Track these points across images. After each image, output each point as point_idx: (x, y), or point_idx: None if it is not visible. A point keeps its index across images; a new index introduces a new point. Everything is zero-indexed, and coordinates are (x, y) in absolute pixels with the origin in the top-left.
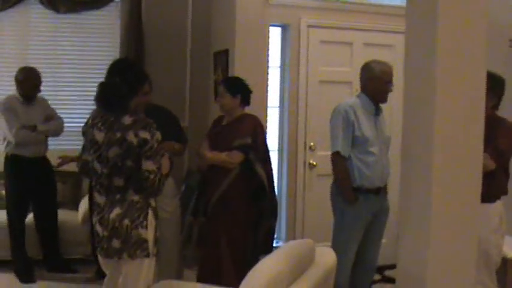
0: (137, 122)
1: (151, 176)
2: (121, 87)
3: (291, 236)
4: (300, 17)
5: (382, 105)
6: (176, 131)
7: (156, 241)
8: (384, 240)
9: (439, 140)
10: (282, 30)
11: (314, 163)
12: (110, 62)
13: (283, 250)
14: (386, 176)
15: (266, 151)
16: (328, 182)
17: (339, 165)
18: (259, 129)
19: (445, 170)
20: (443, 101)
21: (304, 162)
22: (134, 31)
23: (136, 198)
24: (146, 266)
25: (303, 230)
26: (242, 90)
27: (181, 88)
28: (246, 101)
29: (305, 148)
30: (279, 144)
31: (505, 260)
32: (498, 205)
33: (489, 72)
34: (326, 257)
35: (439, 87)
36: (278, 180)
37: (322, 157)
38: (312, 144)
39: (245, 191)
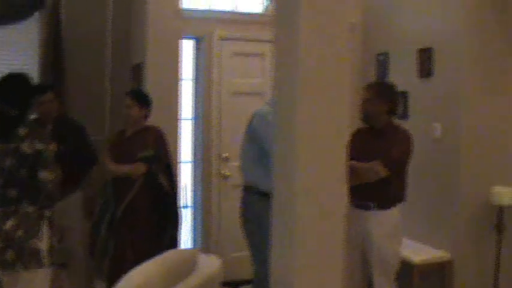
0: (32, 132)
1: (49, 186)
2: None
3: (206, 246)
4: (213, 30)
5: None
6: (82, 145)
7: (52, 251)
8: None
9: (302, 148)
10: (195, 42)
11: (228, 174)
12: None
13: (159, 259)
14: None
15: (169, 162)
16: None
17: None
18: (161, 141)
19: (309, 180)
20: (305, 114)
21: (219, 173)
22: (53, 45)
23: (30, 209)
24: (41, 277)
25: (218, 240)
26: (149, 103)
27: (102, 101)
28: (149, 113)
29: (219, 159)
30: (193, 155)
31: (410, 266)
32: (394, 212)
33: (377, 81)
34: (210, 265)
35: (300, 99)
36: (193, 192)
37: (236, 168)
38: (226, 155)
39: (149, 202)
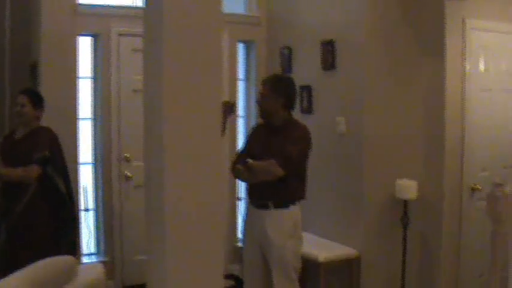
0: None
1: None
2: None
3: (109, 249)
4: (110, 26)
5: None
6: None
7: None
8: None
9: (170, 145)
10: (92, 39)
11: (130, 175)
12: None
13: (31, 268)
14: None
15: (64, 163)
16: None
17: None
18: (55, 142)
19: (176, 182)
20: (171, 112)
21: (119, 174)
22: None
23: None
24: None
25: (122, 243)
26: (42, 103)
27: (1, 101)
28: (42, 114)
29: (120, 160)
30: (93, 156)
31: (316, 264)
32: (292, 210)
33: (272, 75)
34: (91, 273)
35: (166, 95)
36: (94, 194)
37: (138, 168)
38: (127, 155)
39: (45, 207)
